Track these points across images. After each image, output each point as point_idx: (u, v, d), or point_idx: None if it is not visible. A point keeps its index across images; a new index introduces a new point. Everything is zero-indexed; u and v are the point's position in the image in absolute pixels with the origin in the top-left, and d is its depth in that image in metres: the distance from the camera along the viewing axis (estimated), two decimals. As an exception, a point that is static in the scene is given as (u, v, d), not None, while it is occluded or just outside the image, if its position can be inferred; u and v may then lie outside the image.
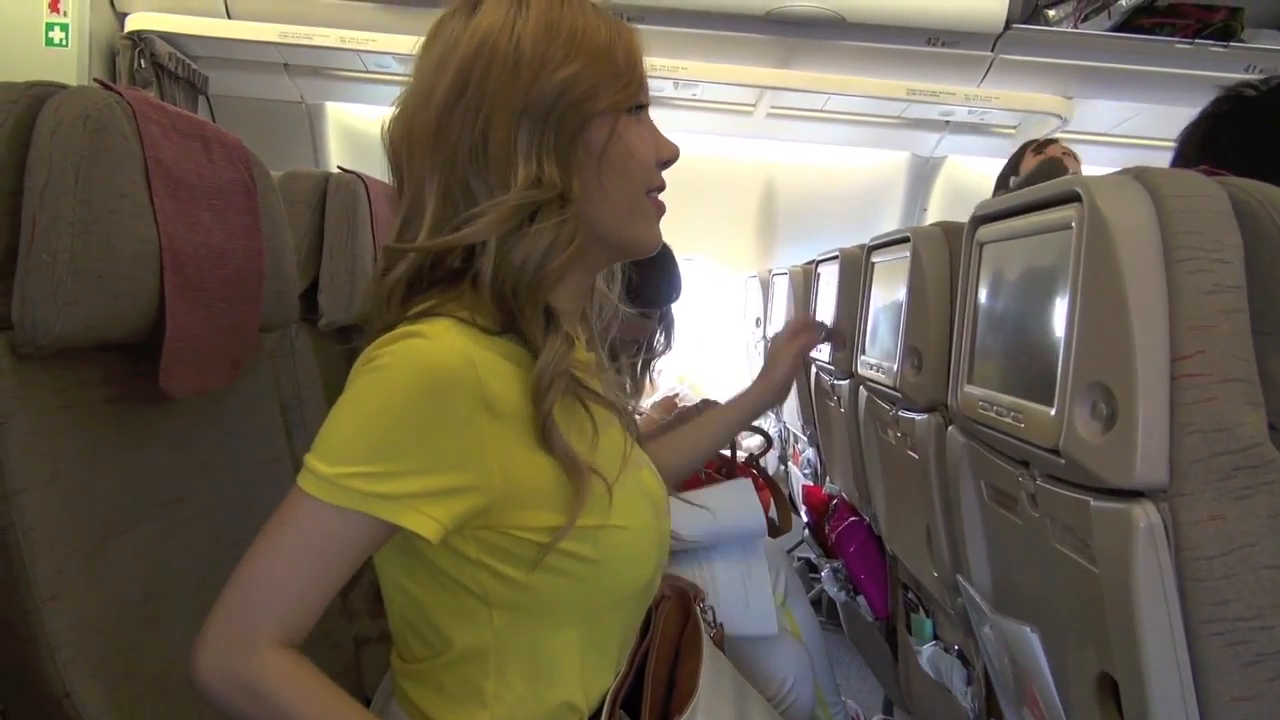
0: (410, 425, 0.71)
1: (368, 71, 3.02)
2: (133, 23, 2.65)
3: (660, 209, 0.87)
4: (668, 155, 0.86)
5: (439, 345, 0.73)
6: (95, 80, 1.08)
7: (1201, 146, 0.96)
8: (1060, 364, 0.77)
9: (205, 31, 2.71)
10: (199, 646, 0.72)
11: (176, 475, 0.98)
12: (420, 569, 0.80)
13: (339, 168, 1.50)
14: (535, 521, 0.77)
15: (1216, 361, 0.68)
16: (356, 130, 3.41)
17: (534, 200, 0.77)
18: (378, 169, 1.62)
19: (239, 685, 0.71)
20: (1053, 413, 0.78)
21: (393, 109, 0.84)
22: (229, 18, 2.70)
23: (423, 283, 0.80)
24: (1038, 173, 2.22)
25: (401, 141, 0.82)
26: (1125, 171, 0.75)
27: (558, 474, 0.77)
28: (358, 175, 1.48)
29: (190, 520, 0.99)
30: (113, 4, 2.66)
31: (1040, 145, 2.38)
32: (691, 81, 2.95)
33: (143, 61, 2.61)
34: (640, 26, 2.53)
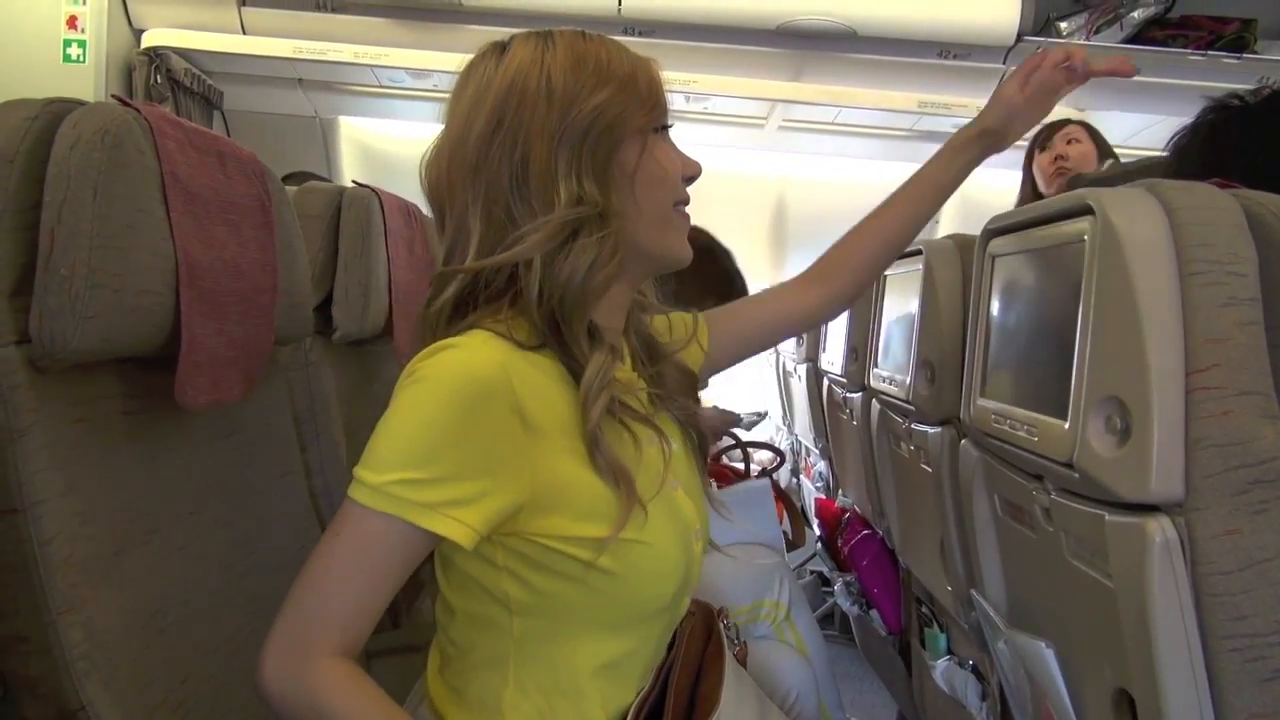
0: (447, 431, 0.74)
1: (381, 86, 3.04)
2: (149, 39, 2.68)
3: (687, 221, 0.92)
4: (692, 171, 0.91)
5: (474, 355, 0.76)
6: (113, 96, 1.09)
7: (1200, 158, 0.96)
8: (1074, 377, 0.77)
9: (220, 48, 2.74)
10: (263, 655, 0.75)
11: (192, 488, 0.99)
12: (453, 573, 0.83)
13: (354, 182, 1.51)
14: (562, 530, 0.79)
15: (1232, 375, 0.68)
16: (370, 145, 3.43)
17: (577, 217, 0.81)
18: (391, 183, 1.64)
19: (299, 694, 0.74)
20: (1066, 426, 0.78)
21: (427, 151, 0.88)
22: (244, 34, 2.73)
23: (468, 306, 0.84)
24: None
25: (440, 178, 0.86)
26: (1137, 184, 0.75)
27: (590, 485, 0.79)
28: (372, 189, 1.48)
29: (205, 533, 1.00)
30: (129, 21, 2.70)
31: (1047, 136, 2.36)
32: (704, 95, 2.96)
33: (159, 77, 2.64)
34: (652, 40, 2.55)
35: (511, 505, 0.76)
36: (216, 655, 0.97)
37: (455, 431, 0.74)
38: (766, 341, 1.21)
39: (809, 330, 1.41)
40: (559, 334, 0.81)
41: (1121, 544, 0.72)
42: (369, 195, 1.46)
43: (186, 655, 0.91)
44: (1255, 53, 2.59)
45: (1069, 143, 2.33)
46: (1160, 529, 0.68)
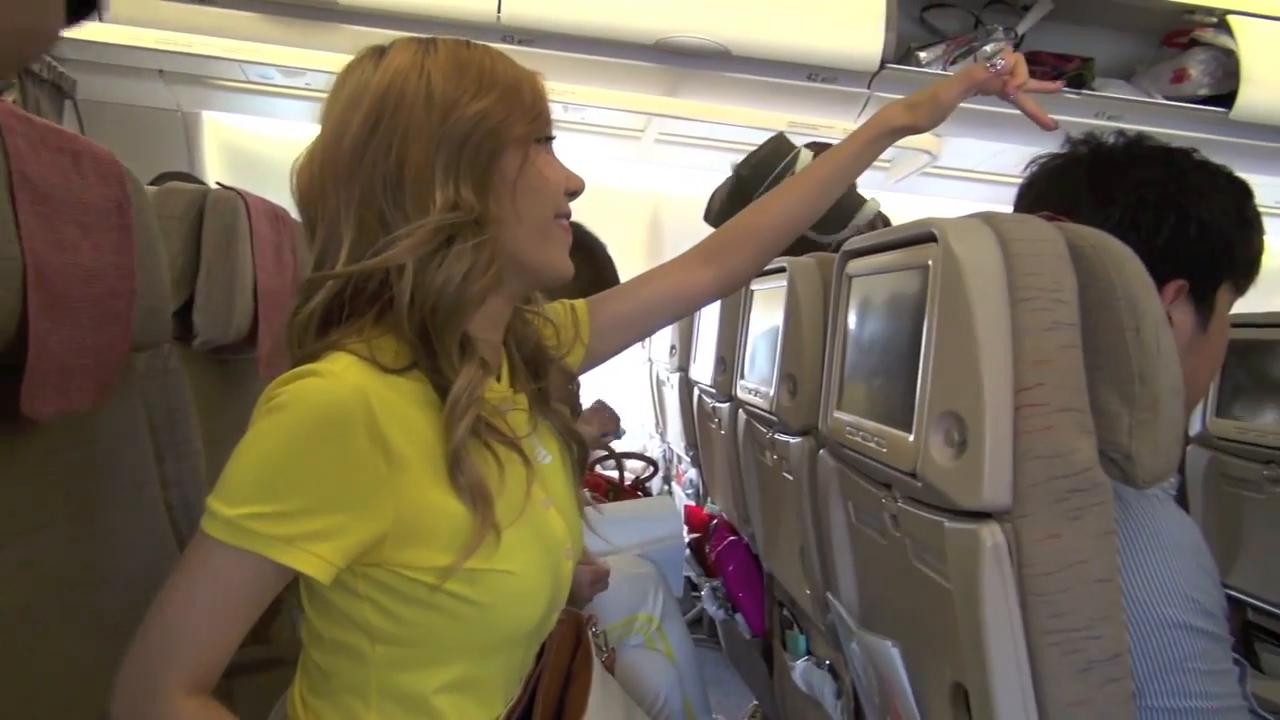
0: (304, 464, 0.72)
1: (250, 82, 2.93)
2: (-7, 21, 2.52)
3: (568, 235, 0.91)
4: (575, 186, 0.91)
5: (335, 383, 0.74)
6: (-46, 87, 1.03)
7: (1053, 190, 1.03)
8: (918, 393, 0.82)
9: (76, 34, 2.59)
10: (114, 696, 0.72)
11: (38, 502, 0.94)
12: (316, 599, 0.82)
13: (217, 183, 1.46)
14: (426, 561, 0.78)
15: (1054, 393, 0.74)
16: (237, 143, 3.30)
17: (452, 223, 0.80)
18: (260, 183, 1.59)
19: None
20: (911, 439, 0.83)
21: (300, 156, 0.85)
22: (101, 21, 2.59)
23: (336, 316, 0.82)
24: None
25: (313, 182, 0.83)
26: (976, 215, 0.81)
27: (453, 514, 0.78)
28: (237, 191, 1.44)
29: (54, 549, 0.95)
30: (-29, 0, 2.53)
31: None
32: (581, 106, 2.99)
33: (4, 62, 2.48)
34: (530, 50, 2.55)
35: (372, 537, 0.75)
36: (64, 682, 0.92)
37: (313, 464, 0.72)
38: (655, 323, 1.19)
39: (698, 309, 1.41)
40: (429, 346, 0.79)
41: (958, 548, 0.77)
42: (234, 198, 1.42)
43: (34, 676, 0.87)
44: (1093, 89, 2.79)
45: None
46: (991, 534, 0.73)
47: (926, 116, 1.14)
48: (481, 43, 0.88)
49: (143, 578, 1.07)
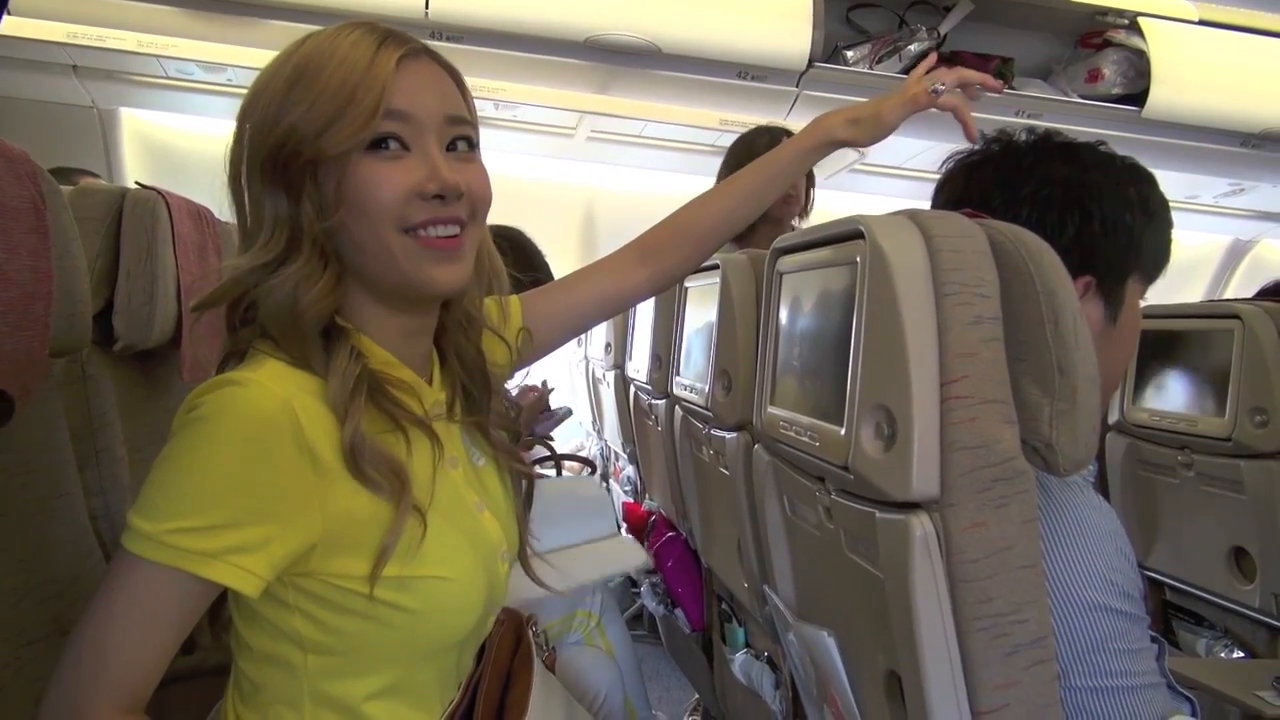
0: (228, 476, 0.70)
1: (169, 78, 2.84)
2: (-109, 14, 2.41)
3: (437, 245, 0.81)
4: (430, 188, 0.79)
5: (257, 393, 0.72)
6: None
7: (967, 187, 1.05)
8: (848, 387, 0.84)
9: (-20, 27, 2.49)
10: (40, 716, 0.70)
11: (-52, 514, 0.90)
12: (244, 608, 0.80)
13: (137, 183, 1.42)
14: (355, 570, 0.76)
15: (978, 385, 0.76)
16: (157, 141, 3.20)
17: (272, 253, 0.79)
18: (180, 183, 1.55)
19: None
20: (842, 432, 0.84)
21: None
22: (8, 13, 2.49)
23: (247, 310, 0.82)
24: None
25: None
26: (901, 213, 0.83)
27: (381, 520, 0.77)
28: (157, 191, 1.40)
29: (-36, 562, 0.91)
30: None
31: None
32: (513, 103, 2.97)
33: (-98, 58, 2.38)
34: (460, 46, 2.53)
35: (301, 547, 0.73)
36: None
37: (237, 475, 0.70)
38: (589, 322, 1.17)
39: (632, 306, 1.41)
40: (295, 352, 0.79)
41: (889, 538, 0.79)
42: (154, 197, 1.38)
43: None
44: (1014, 88, 2.87)
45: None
46: (920, 524, 0.75)
47: (869, 134, 1.15)
48: (357, 30, 0.80)
49: (67, 589, 1.03)
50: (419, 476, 0.81)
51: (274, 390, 0.73)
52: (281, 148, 0.77)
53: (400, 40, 0.81)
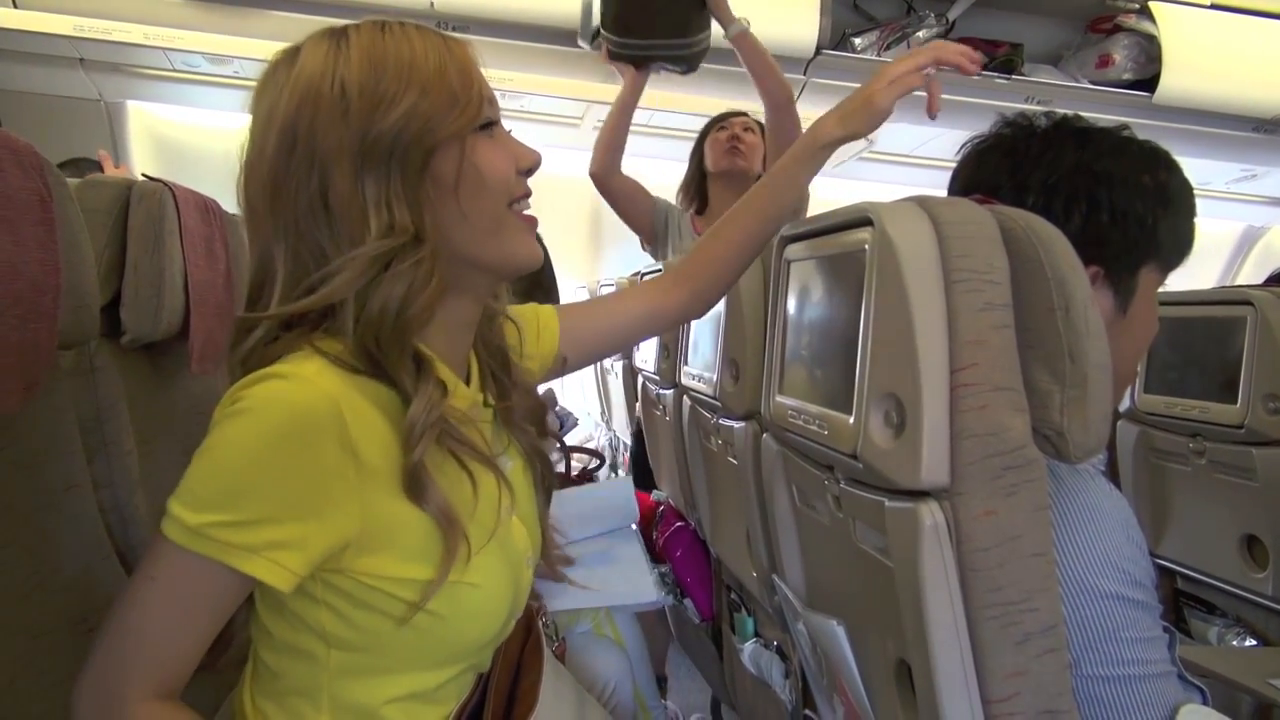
0: (271, 472, 0.69)
1: (175, 70, 2.85)
2: (-101, 9, 2.41)
3: (530, 222, 0.86)
4: (528, 164, 0.85)
5: (304, 388, 0.71)
6: None
7: (977, 172, 1.03)
8: (857, 375, 0.83)
9: (-14, 21, 2.50)
10: (75, 700, 0.70)
11: (-41, 507, 0.91)
12: (269, 598, 0.79)
13: (144, 175, 1.42)
14: (388, 570, 0.76)
15: (988, 372, 0.75)
16: (163, 134, 3.20)
17: (389, 249, 0.75)
18: (190, 176, 1.55)
19: None
20: (851, 421, 0.84)
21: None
22: (16, 7, 2.50)
23: (280, 339, 0.78)
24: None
25: (244, 203, 0.79)
26: (909, 199, 0.82)
27: (420, 526, 0.77)
28: (164, 183, 1.40)
29: (-22, 555, 0.92)
30: (-124, -14, 2.41)
31: (724, 119, 2.54)
32: (519, 93, 2.97)
33: (-89, 52, 2.38)
34: (465, 37, 2.52)
35: (337, 545, 0.73)
36: (-4, 691, 0.90)
37: (279, 471, 0.69)
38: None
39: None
40: (380, 366, 0.76)
41: (898, 527, 0.78)
42: (161, 190, 1.38)
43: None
44: (1022, 74, 2.85)
45: (745, 130, 2.50)
46: (930, 513, 0.75)
47: (864, 123, 1.10)
48: (401, 21, 0.80)
49: (77, 581, 1.04)
50: (477, 508, 0.81)
51: (321, 386, 0.71)
52: (395, 145, 0.75)
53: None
